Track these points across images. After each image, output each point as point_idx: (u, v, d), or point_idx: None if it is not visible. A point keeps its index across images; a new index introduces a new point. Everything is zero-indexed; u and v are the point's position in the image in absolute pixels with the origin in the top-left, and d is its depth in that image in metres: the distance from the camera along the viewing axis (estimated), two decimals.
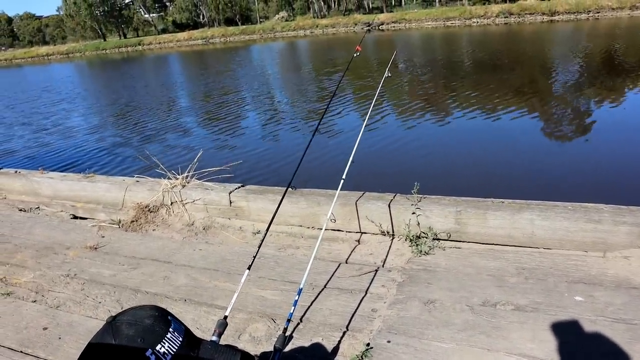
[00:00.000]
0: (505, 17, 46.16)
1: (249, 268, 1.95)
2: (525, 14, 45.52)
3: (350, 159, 2.45)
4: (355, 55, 3.27)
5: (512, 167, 6.09)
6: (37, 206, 4.55)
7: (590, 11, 42.41)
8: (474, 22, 47.50)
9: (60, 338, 2.43)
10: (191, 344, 1.19)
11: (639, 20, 34.28)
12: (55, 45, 79.26)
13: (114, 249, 3.42)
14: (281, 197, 2.54)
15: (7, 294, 2.92)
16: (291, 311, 1.83)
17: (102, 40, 75.14)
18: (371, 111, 3.26)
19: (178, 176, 3.86)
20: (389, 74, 3.18)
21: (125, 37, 77.36)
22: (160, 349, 1.09)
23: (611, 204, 2.83)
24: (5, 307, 2.77)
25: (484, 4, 53.76)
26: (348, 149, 2.56)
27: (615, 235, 2.65)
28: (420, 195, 3.01)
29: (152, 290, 2.79)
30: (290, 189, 2.37)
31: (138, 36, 76.37)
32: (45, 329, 2.52)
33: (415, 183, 2.99)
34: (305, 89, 14.62)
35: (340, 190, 2.54)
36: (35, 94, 21.86)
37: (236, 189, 3.58)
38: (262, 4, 78.15)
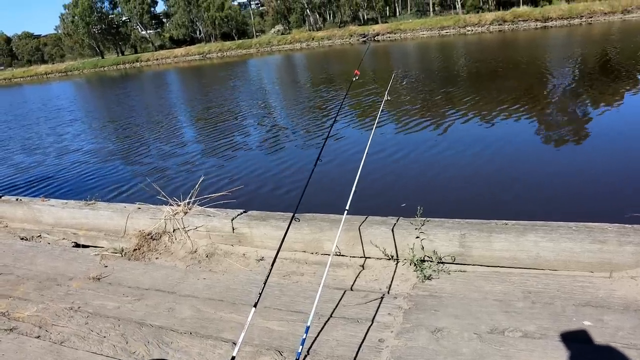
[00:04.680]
0: (499, 25, 46.52)
1: (255, 305, 1.94)
2: (519, 20, 45.88)
3: (353, 189, 2.45)
4: (353, 79, 3.29)
5: (515, 183, 6.04)
6: (38, 234, 4.53)
7: (582, 16, 42.76)
8: (469, 30, 47.84)
9: None
10: None
11: (631, 24, 34.53)
12: (53, 63, 79.75)
13: (117, 279, 3.40)
14: (287, 226, 2.51)
15: (10, 329, 2.89)
16: (299, 350, 1.82)
17: (100, 57, 75.61)
18: (372, 134, 3.26)
19: (180, 203, 3.85)
20: (389, 97, 3.19)
21: (122, 54, 77.86)
22: None
23: (617, 216, 2.82)
24: (9, 344, 2.75)
25: (478, 12, 54.24)
26: (349, 171, 2.56)
27: (621, 255, 2.63)
28: (424, 219, 3.00)
29: (156, 323, 2.76)
30: (295, 220, 2.35)
31: (136, 53, 76.89)
32: None
33: (419, 207, 2.98)
34: (304, 107, 14.62)
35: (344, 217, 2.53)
36: (35, 116, 21.94)
37: (238, 215, 3.57)
38: (258, 18, 78.80)
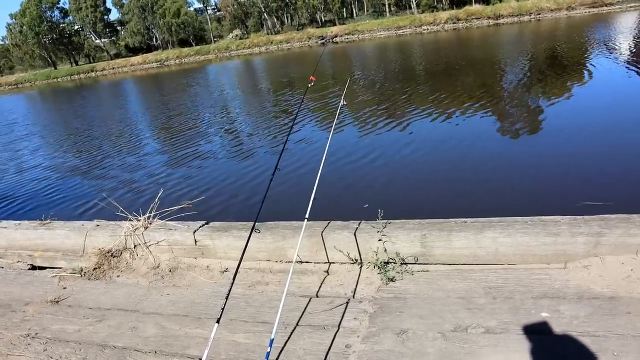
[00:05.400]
0: (453, 23, 47.78)
1: (217, 321, 1.91)
2: (472, 18, 47.25)
3: (312, 195, 2.45)
4: (309, 85, 3.30)
5: (472, 179, 6.17)
6: None
7: (531, 13, 44.54)
8: (425, 29, 48.90)
9: None
10: None
11: (575, 20, 36.26)
12: (2, 76, 76.53)
13: (77, 300, 3.29)
14: (248, 236, 2.49)
15: None
16: None
17: (53, 68, 73.08)
18: (330, 139, 3.28)
19: (140, 217, 3.76)
20: (345, 102, 3.22)
21: (77, 64, 75.50)
22: None
23: (570, 206, 2.94)
24: None
25: (433, 11, 55.46)
26: (310, 176, 2.56)
27: (573, 246, 2.74)
28: (385, 221, 3.03)
29: (119, 344, 2.69)
30: (255, 231, 2.34)
31: (90, 62, 74.66)
32: None
33: (379, 210, 3.01)
34: (265, 113, 14.53)
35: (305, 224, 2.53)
36: None
37: (200, 227, 3.52)
38: (216, 23, 77.96)
